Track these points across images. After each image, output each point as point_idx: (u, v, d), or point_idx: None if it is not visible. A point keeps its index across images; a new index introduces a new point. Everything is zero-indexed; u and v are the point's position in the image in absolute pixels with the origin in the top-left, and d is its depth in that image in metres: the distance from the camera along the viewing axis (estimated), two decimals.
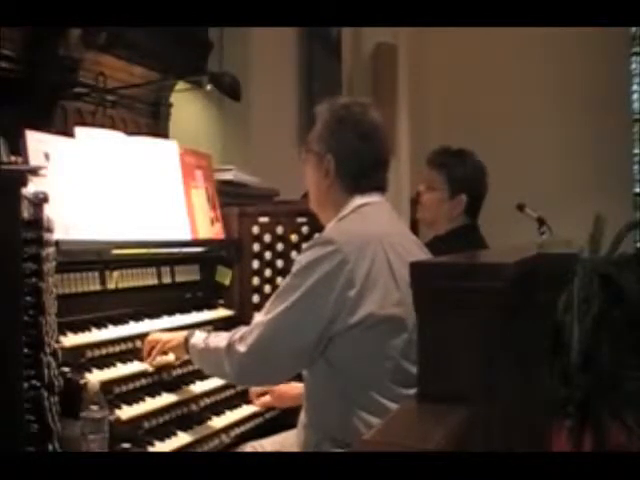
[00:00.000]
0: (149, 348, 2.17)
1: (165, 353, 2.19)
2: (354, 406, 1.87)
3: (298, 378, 2.37)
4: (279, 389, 2.37)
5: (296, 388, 2.34)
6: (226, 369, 1.99)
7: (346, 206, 2.05)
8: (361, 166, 2.05)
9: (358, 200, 2.04)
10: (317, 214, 2.20)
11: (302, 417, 2.02)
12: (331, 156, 2.05)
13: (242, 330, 1.98)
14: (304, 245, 1.99)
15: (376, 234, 1.94)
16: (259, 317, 1.96)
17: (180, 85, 3.24)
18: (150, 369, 2.15)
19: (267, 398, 2.40)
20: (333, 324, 1.86)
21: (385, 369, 1.88)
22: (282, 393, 2.36)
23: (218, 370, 2.08)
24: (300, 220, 2.76)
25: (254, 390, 2.40)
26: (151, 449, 1.97)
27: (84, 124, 2.45)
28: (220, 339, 2.03)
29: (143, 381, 2.12)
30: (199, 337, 2.13)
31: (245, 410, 2.41)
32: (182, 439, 2.10)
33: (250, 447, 2.23)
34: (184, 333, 2.18)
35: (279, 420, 2.43)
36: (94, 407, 1.70)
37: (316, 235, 2.72)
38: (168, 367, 2.22)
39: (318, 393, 1.96)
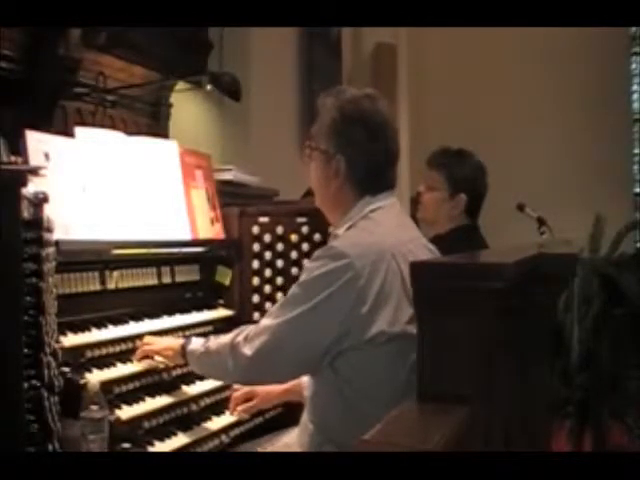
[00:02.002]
0: (142, 353, 2.15)
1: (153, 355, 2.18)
2: (358, 413, 1.84)
3: None
4: (263, 389, 2.32)
5: (279, 386, 2.32)
6: (229, 370, 1.97)
7: (355, 207, 1.99)
8: (373, 166, 1.98)
9: (368, 203, 1.98)
10: (323, 212, 2.13)
11: (305, 417, 2.00)
12: (341, 156, 1.98)
13: (246, 331, 1.95)
14: (315, 253, 1.91)
15: (388, 245, 1.87)
16: (266, 320, 1.93)
17: (180, 85, 3.24)
18: (150, 369, 2.15)
19: (250, 403, 2.32)
20: (343, 340, 1.83)
21: (395, 384, 1.83)
22: (267, 393, 2.31)
23: (220, 372, 2.06)
24: (300, 220, 2.76)
25: (235, 397, 2.32)
26: (151, 449, 1.97)
27: (84, 124, 2.45)
28: (221, 340, 2.01)
29: (143, 381, 2.12)
30: (197, 342, 2.11)
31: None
32: (182, 439, 2.10)
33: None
34: (180, 341, 2.17)
35: (280, 420, 2.43)
36: (94, 407, 1.70)
37: (316, 235, 2.73)
38: (168, 367, 2.21)
39: (322, 396, 1.94)
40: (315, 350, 1.85)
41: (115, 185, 2.29)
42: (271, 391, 2.32)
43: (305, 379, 2.18)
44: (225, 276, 2.72)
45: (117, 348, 2.10)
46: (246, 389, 2.32)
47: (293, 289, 1.92)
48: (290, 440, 2.18)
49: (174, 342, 2.18)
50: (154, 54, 2.90)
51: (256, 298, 2.74)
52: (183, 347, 2.13)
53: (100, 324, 2.10)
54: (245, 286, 2.73)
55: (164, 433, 2.07)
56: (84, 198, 2.14)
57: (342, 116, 1.99)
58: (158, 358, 2.17)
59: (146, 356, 2.16)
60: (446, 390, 1.23)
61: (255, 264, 2.74)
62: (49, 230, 1.66)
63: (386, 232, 1.93)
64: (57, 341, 1.70)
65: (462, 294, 1.24)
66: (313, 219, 2.73)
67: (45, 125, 2.21)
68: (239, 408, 2.31)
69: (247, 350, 1.91)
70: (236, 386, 2.33)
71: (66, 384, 1.71)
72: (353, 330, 1.82)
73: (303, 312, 1.85)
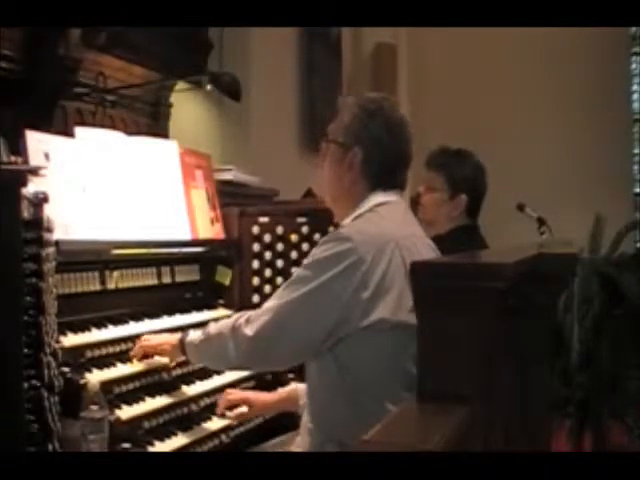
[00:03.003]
0: (140, 349, 2.15)
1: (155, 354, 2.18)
2: (359, 408, 1.84)
3: (280, 385, 2.37)
4: (257, 398, 2.31)
5: (274, 395, 2.33)
6: (230, 353, 1.96)
7: (364, 202, 2.01)
8: (388, 162, 2.02)
9: (377, 197, 2.01)
10: (332, 208, 2.14)
11: (305, 419, 2.00)
12: (359, 149, 2.01)
13: (248, 313, 1.96)
14: (321, 239, 1.95)
15: (393, 237, 1.90)
16: (269, 303, 1.94)
17: (180, 85, 3.25)
18: (150, 369, 2.14)
19: (243, 409, 2.30)
20: (344, 324, 1.84)
21: (395, 374, 1.84)
22: (262, 402, 2.31)
23: (221, 356, 2.03)
24: (300, 220, 2.76)
25: (227, 400, 2.29)
26: (151, 449, 1.97)
27: (84, 124, 2.45)
28: (222, 324, 2.01)
29: (143, 381, 2.12)
30: (195, 333, 2.11)
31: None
32: (182, 439, 2.10)
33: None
34: (177, 335, 2.16)
35: (280, 420, 2.43)
36: (94, 407, 1.70)
37: (316, 235, 2.73)
38: (168, 367, 2.21)
39: (323, 392, 1.93)
40: (317, 332, 1.85)
41: (115, 185, 2.29)
42: (267, 400, 2.32)
43: (301, 387, 2.18)
44: (225, 276, 2.72)
45: (117, 348, 2.10)
46: (241, 395, 2.32)
47: (297, 271, 1.93)
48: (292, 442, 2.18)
49: (171, 337, 2.18)
50: (154, 54, 2.90)
51: (256, 298, 2.74)
52: (181, 340, 2.12)
53: (100, 324, 2.10)
54: (245, 286, 2.73)
55: (164, 433, 2.06)
56: (84, 198, 2.14)
57: (363, 111, 2.04)
58: (158, 357, 2.17)
59: (145, 355, 2.15)
60: (446, 390, 1.23)
61: (255, 264, 2.74)
62: (49, 230, 1.66)
63: (391, 225, 1.96)
64: (57, 341, 1.70)
65: (462, 294, 1.24)
66: (313, 219, 2.73)
67: (45, 125, 2.21)
68: (232, 413, 2.29)
69: (248, 331, 1.91)
70: (231, 390, 2.33)
71: (66, 384, 1.71)
72: (354, 315, 1.83)
73: (306, 292, 1.86)
